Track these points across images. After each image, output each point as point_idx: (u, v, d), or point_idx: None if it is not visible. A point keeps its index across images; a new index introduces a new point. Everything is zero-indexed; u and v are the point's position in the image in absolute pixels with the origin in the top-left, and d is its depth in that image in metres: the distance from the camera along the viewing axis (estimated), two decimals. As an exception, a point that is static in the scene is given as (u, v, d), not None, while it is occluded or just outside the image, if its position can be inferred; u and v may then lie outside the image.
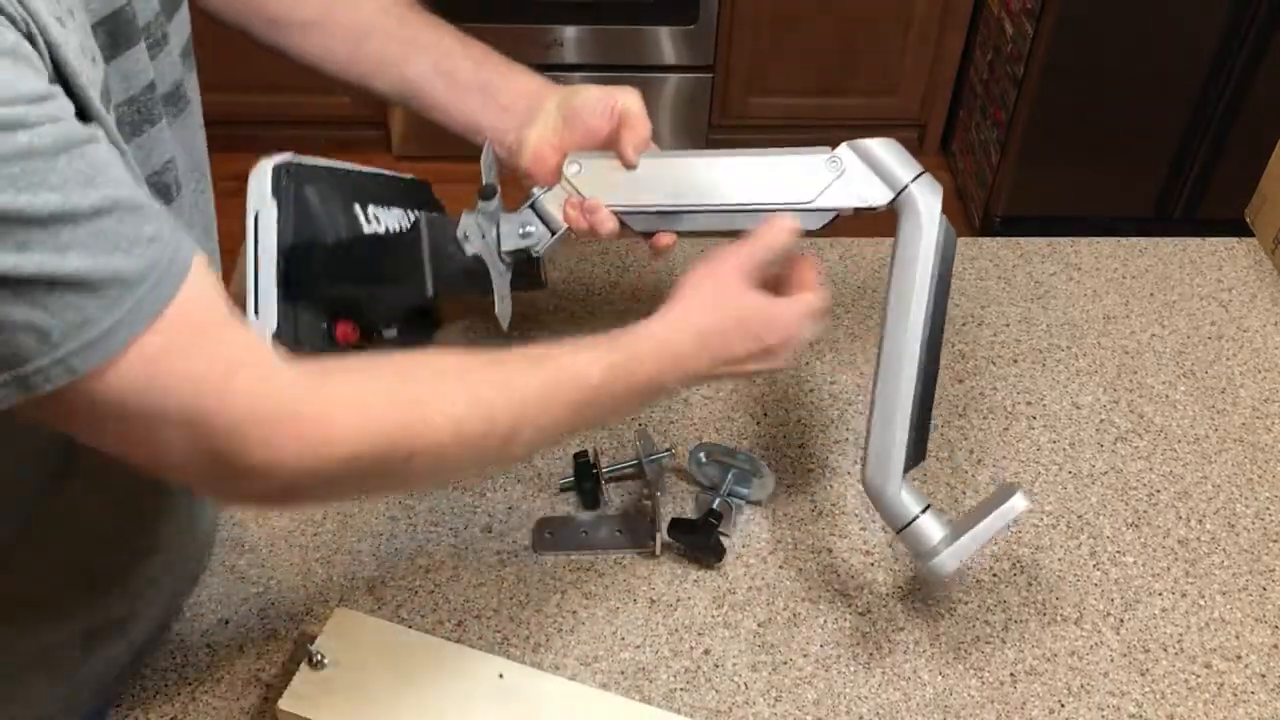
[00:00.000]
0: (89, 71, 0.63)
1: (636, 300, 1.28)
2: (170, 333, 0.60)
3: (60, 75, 0.59)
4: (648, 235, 0.99)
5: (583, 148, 0.97)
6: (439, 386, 0.73)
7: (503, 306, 0.96)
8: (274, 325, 0.89)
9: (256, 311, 0.89)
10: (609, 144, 0.97)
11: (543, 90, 0.99)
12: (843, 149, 0.96)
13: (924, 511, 0.92)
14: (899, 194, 0.94)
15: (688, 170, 0.98)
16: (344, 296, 0.95)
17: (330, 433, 0.67)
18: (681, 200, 0.97)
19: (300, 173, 0.94)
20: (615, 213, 0.96)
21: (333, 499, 0.72)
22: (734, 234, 0.99)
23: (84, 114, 0.61)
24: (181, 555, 0.95)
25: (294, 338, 0.91)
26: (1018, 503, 0.90)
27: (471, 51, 0.99)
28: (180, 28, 0.82)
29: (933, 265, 0.92)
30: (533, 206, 0.97)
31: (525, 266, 1.00)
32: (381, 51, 0.98)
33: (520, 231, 0.96)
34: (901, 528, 0.92)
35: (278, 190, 0.92)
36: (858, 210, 0.96)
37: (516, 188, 1.00)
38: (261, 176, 0.92)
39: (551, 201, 0.97)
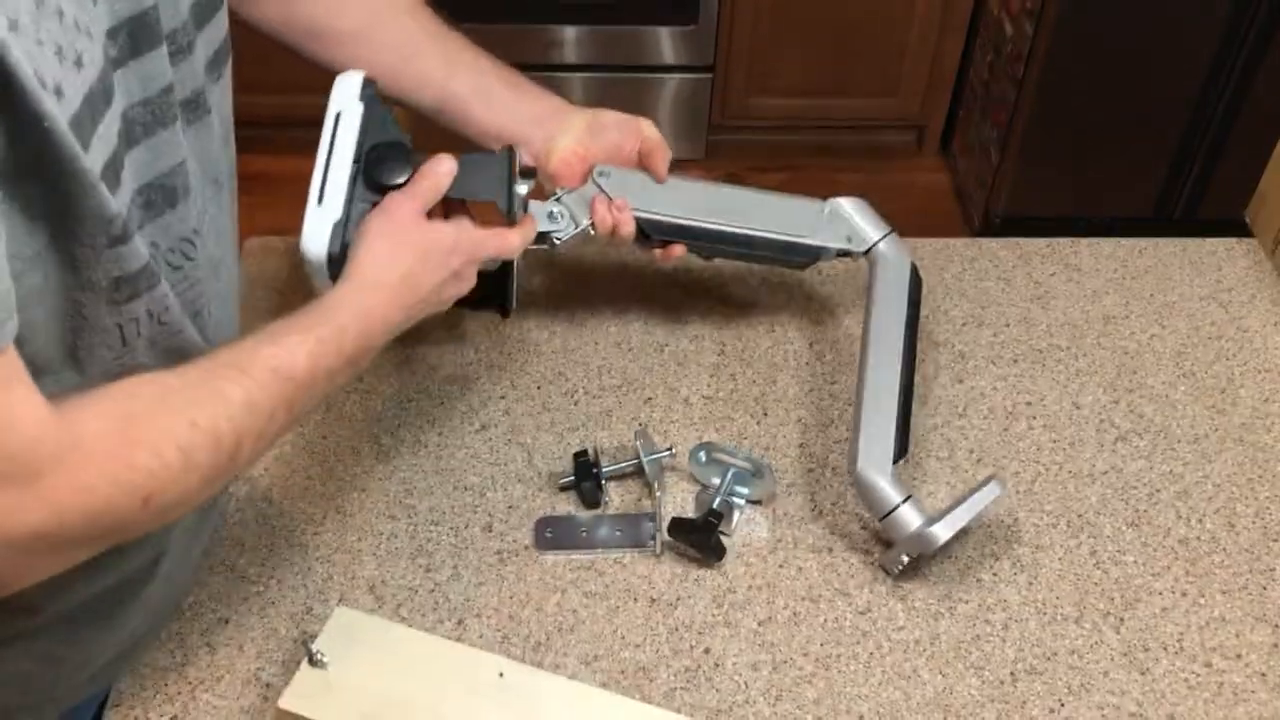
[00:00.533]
0: (64, 76, 0.62)
1: (635, 295, 1.28)
2: None
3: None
4: (656, 245, 1.12)
5: (604, 160, 1.10)
6: (163, 418, 0.70)
7: (514, 284, 1.07)
8: (338, 215, 0.91)
9: (321, 200, 0.92)
10: (628, 162, 1.11)
11: (566, 107, 1.11)
12: (833, 201, 1.15)
13: (905, 501, 0.99)
14: (874, 244, 1.15)
15: (703, 194, 1.14)
16: None
17: (78, 486, 0.65)
18: (697, 217, 1.11)
19: (379, 94, 0.99)
20: (637, 218, 1.08)
21: (50, 570, 0.69)
22: (739, 257, 1.17)
23: (31, 123, 0.60)
24: (180, 555, 0.95)
25: (346, 234, 0.92)
26: (995, 488, 1.00)
27: (503, 73, 1.09)
28: (210, 40, 0.83)
29: (906, 301, 1.11)
30: (559, 199, 1.07)
31: (499, 283, 1.08)
32: (425, 69, 1.05)
33: (548, 213, 1.07)
34: (885, 514, 1.00)
35: (363, 97, 0.96)
36: (840, 252, 1.15)
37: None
38: (350, 81, 0.96)
39: (575, 200, 1.08)
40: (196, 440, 0.71)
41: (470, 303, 1.09)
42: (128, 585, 0.89)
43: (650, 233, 1.10)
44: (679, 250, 1.12)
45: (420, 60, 1.05)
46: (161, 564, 0.90)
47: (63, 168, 0.64)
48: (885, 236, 1.15)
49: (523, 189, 1.04)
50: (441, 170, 0.94)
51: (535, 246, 1.06)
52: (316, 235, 0.91)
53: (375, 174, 0.95)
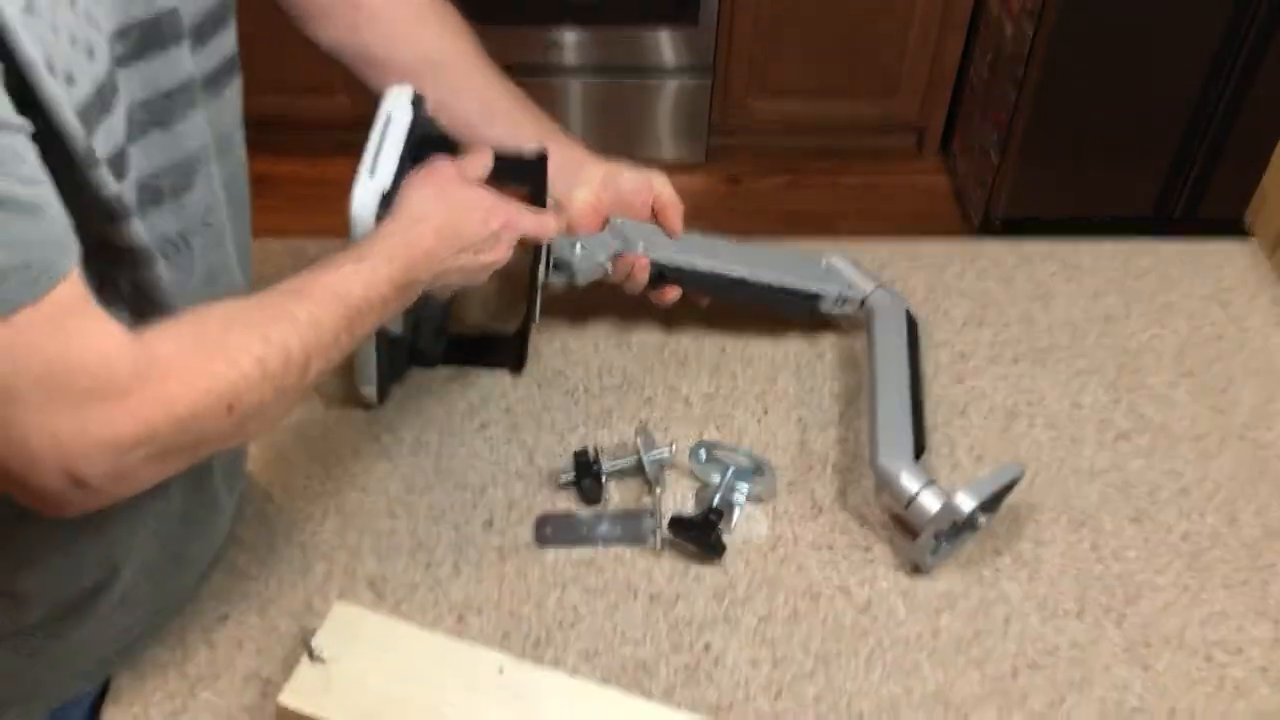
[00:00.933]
0: (76, 63, 0.64)
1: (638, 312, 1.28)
2: (28, 325, 0.62)
3: (7, 56, 0.60)
4: (659, 287, 1.18)
5: (618, 212, 1.17)
6: (236, 334, 0.75)
7: (536, 299, 1.15)
8: (387, 186, 0.97)
9: (373, 172, 0.97)
10: (641, 214, 1.18)
11: (587, 159, 1.16)
12: (828, 257, 1.24)
13: (928, 485, 1.02)
14: (869, 294, 1.21)
15: (712, 244, 1.20)
16: None
17: (164, 397, 0.69)
18: (710, 262, 1.18)
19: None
20: (655, 260, 1.15)
21: (152, 477, 0.73)
22: (744, 299, 1.22)
23: (33, 102, 0.62)
24: (158, 556, 0.94)
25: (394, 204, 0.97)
26: (1015, 466, 1.03)
27: (539, 124, 1.14)
28: (210, 56, 0.84)
29: (905, 335, 1.17)
30: (580, 242, 1.15)
31: (516, 343, 1.20)
32: (465, 115, 1.11)
33: (570, 243, 1.14)
34: (909, 501, 1.02)
35: (413, 104, 1.03)
36: (839, 300, 1.21)
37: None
38: (402, 91, 1.03)
39: (594, 243, 1.15)
40: (270, 352, 0.75)
41: (485, 362, 1.20)
42: (106, 584, 0.89)
43: (666, 274, 1.17)
44: (673, 294, 1.19)
45: (461, 106, 1.11)
46: (123, 571, 0.90)
47: (63, 145, 0.65)
48: (878, 287, 1.22)
49: (551, 203, 1.11)
50: (482, 159, 1.02)
51: (555, 280, 1.16)
52: (366, 202, 0.97)
53: (424, 160, 1.01)
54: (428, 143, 1.03)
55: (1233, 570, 1.04)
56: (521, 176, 1.08)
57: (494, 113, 1.13)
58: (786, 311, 1.23)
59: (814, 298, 1.21)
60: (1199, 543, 1.06)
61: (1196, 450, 1.14)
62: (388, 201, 0.97)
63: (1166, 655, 0.97)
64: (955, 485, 0.99)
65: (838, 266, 1.24)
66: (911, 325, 1.19)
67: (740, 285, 1.19)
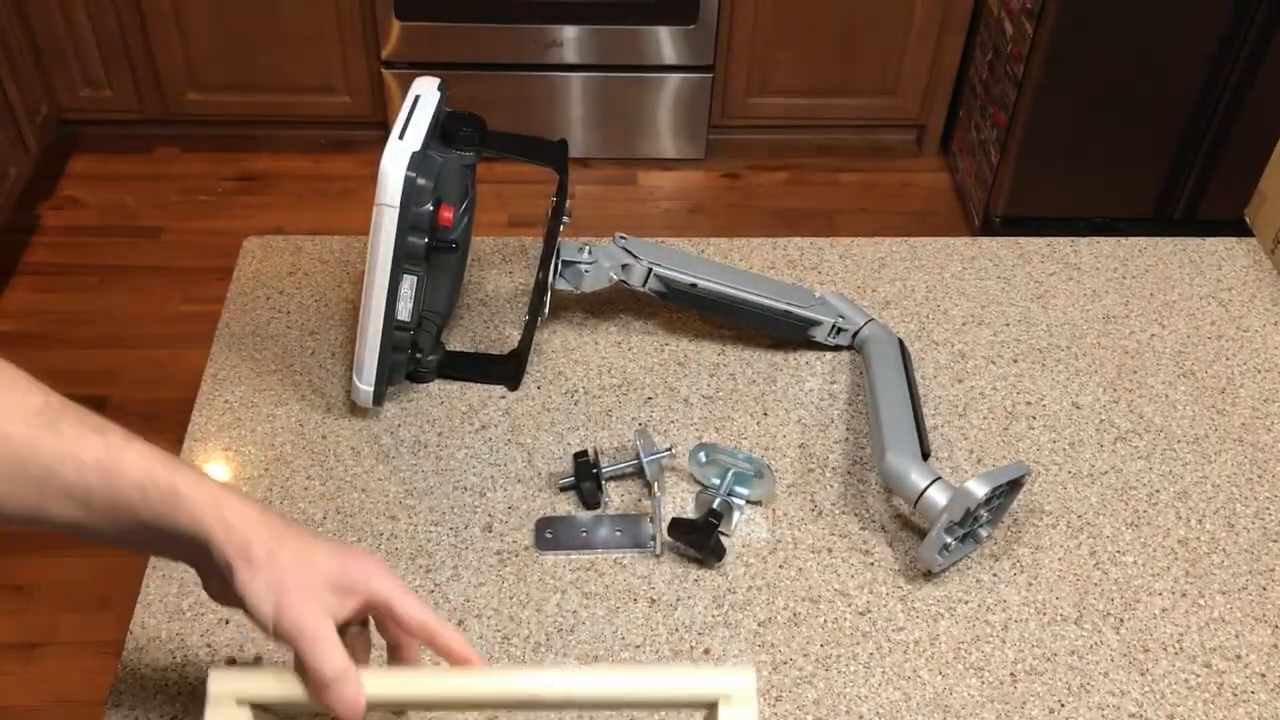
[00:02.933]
0: None
1: (635, 294, 1.28)
2: None
3: None
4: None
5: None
6: None
7: (545, 298, 1.18)
8: (417, 147, 1.03)
9: (402, 136, 1.04)
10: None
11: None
12: (822, 290, 1.27)
13: (935, 481, 1.02)
14: (861, 327, 1.23)
15: (712, 266, 1.24)
16: (462, 181, 1.12)
17: None
18: (712, 279, 1.19)
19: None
20: (659, 274, 1.18)
21: None
22: (740, 318, 1.22)
23: None
24: None
25: (414, 182, 1.03)
26: (1022, 465, 1.03)
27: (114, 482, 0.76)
28: None
29: (900, 361, 1.18)
30: (588, 248, 1.19)
31: (514, 364, 1.20)
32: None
33: (577, 248, 1.17)
34: (917, 497, 1.02)
35: (440, 89, 1.09)
36: (832, 330, 1.22)
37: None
38: (430, 80, 1.10)
39: (601, 253, 1.18)
40: None
41: (480, 379, 1.20)
42: None
43: (668, 288, 1.19)
44: None
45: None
46: None
47: None
48: (869, 321, 1.24)
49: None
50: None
51: (561, 286, 1.18)
52: (396, 160, 1.02)
53: (451, 133, 1.09)
54: (457, 115, 1.10)
55: (1231, 576, 1.04)
56: (544, 158, 1.15)
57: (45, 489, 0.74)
58: (782, 334, 1.24)
59: (811, 323, 1.22)
60: (1197, 548, 1.06)
61: (1196, 452, 1.14)
62: (419, 158, 1.01)
63: (1165, 661, 0.98)
64: (962, 480, 0.99)
65: (830, 300, 1.25)
66: (905, 354, 1.20)
67: (742, 306, 1.20)
